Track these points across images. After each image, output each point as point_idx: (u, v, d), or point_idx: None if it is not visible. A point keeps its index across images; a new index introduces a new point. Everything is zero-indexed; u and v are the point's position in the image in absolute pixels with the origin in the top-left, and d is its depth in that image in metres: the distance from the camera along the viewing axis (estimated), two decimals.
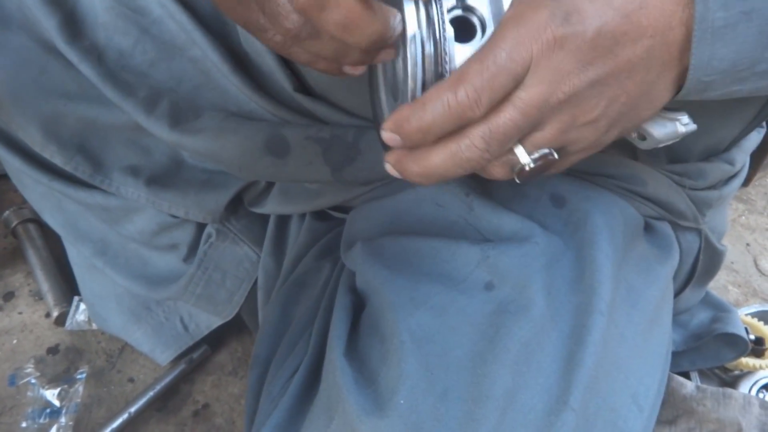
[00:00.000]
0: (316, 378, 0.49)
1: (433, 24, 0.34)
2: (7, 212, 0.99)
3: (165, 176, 0.68)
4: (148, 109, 0.59)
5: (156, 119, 0.59)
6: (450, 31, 0.35)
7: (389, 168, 0.39)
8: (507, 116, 0.34)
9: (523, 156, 0.36)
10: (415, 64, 0.35)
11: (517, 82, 0.33)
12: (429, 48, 0.34)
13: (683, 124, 0.41)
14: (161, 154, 0.68)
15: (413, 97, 0.35)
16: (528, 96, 0.33)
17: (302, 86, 0.57)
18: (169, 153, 0.68)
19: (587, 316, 0.45)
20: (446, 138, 0.35)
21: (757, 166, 1.15)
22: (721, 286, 1.02)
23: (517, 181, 0.38)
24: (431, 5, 0.34)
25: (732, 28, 0.33)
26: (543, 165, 0.37)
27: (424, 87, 0.35)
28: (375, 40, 0.33)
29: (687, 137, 0.57)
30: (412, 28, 0.34)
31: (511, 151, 0.36)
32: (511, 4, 0.35)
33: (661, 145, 0.42)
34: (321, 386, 0.47)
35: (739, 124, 0.59)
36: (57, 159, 0.65)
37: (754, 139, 0.66)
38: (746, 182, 1.17)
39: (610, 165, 0.55)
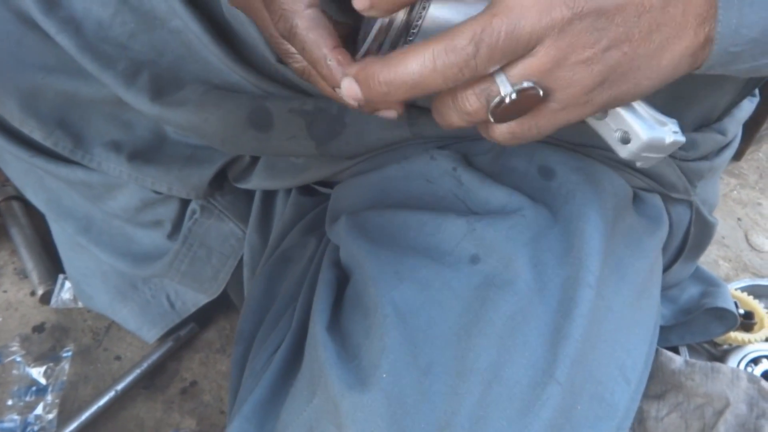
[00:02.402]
0: (299, 353, 0.48)
1: None
2: None
3: (147, 151, 0.67)
4: (128, 82, 0.58)
5: (136, 92, 0.58)
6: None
7: (346, 87, 0.34)
8: (503, 21, 0.30)
9: (504, 85, 0.32)
10: None
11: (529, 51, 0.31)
12: None
13: (673, 132, 0.37)
14: (143, 129, 0.67)
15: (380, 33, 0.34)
16: (529, 1, 0.30)
17: None
18: (152, 128, 0.67)
19: (575, 289, 0.44)
20: (430, 39, 0.31)
21: (750, 139, 1.14)
22: (711, 260, 1.02)
23: (492, 120, 0.34)
24: None
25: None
26: (523, 102, 0.32)
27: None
28: None
29: (678, 104, 0.56)
30: None
31: (491, 79, 0.32)
32: None
33: (641, 159, 0.38)
34: (304, 361, 0.46)
35: (730, 90, 0.57)
36: (36, 134, 0.64)
37: (747, 108, 0.65)
38: (738, 156, 1.17)
39: (599, 135, 0.54)
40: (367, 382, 0.40)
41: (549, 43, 0.31)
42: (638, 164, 0.39)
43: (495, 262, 0.46)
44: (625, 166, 0.55)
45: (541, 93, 0.32)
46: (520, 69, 0.32)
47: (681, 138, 0.38)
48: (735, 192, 1.13)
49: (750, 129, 1.13)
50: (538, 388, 0.41)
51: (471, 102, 0.33)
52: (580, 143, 0.54)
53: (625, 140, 0.37)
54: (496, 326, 0.42)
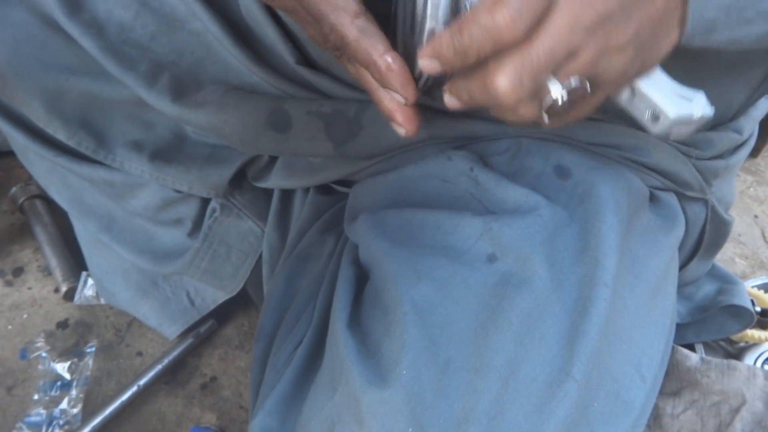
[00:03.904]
0: (319, 350, 0.49)
1: None
2: (14, 189, 1.00)
3: (168, 151, 0.68)
4: (150, 83, 0.59)
5: (157, 93, 0.59)
6: None
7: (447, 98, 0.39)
8: (542, 44, 0.32)
9: (555, 88, 0.34)
10: None
11: (552, 2, 0.32)
12: None
13: (701, 107, 0.39)
14: (164, 129, 0.68)
15: (431, 30, 0.35)
16: (562, 17, 0.32)
17: (304, 59, 0.56)
18: (172, 128, 0.68)
19: (591, 287, 0.45)
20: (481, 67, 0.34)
21: (766, 137, 1.14)
22: (728, 258, 1.02)
23: (546, 121, 0.36)
24: None
25: None
26: (574, 99, 0.35)
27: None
28: None
29: None
30: None
31: (542, 84, 0.35)
32: None
33: (673, 134, 0.40)
34: (325, 358, 0.47)
35: (745, 88, 0.58)
36: (60, 134, 0.65)
37: (763, 107, 0.65)
38: (755, 153, 1.16)
39: (615, 135, 0.54)
40: (387, 379, 0.41)
41: (588, 44, 0.33)
42: (671, 138, 0.40)
43: (512, 260, 0.46)
44: (640, 165, 0.55)
45: (588, 87, 0.35)
46: (566, 71, 0.34)
47: (709, 112, 0.39)
48: (752, 189, 1.12)
49: (766, 127, 1.12)
50: (554, 385, 0.42)
51: (526, 110, 0.36)
52: (596, 143, 0.54)
53: (656, 118, 0.39)
54: (513, 324, 0.43)
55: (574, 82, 0.34)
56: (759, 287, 0.87)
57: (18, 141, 0.70)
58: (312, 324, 0.52)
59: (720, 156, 0.61)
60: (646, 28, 0.34)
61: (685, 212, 0.62)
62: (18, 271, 0.94)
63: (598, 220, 0.48)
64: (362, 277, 0.52)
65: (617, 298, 0.47)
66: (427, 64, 0.35)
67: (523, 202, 0.50)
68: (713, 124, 0.60)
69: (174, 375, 0.85)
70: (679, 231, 0.57)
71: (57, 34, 0.60)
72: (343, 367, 0.43)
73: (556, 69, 0.34)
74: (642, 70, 0.37)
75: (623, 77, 0.36)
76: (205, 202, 0.74)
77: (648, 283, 0.50)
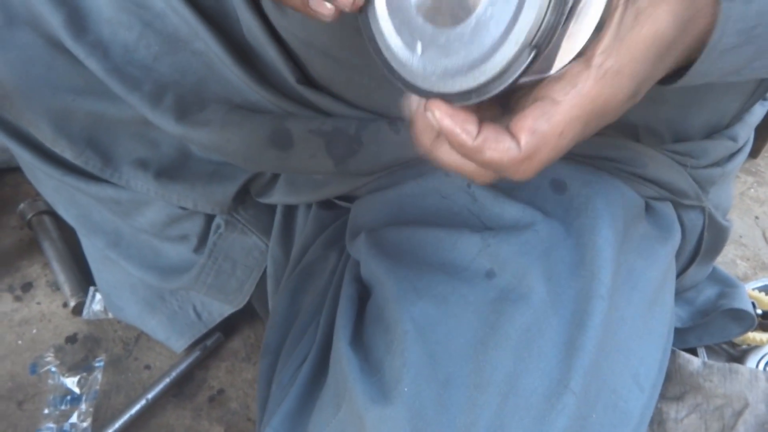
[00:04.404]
0: (324, 367, 0.50)
1: None
2: (22, 204, 1.01)
3: (173, 169, 0.69)
4: (154, 103, 0.60)
5: (162, 113, 0.60)
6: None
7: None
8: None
9: None
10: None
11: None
12: None
13: None
14: (169, 147, 0.69)
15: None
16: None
17: (305, 78, 0.58)
18: (177, 145, 0.69)
19: (587, 301, 0.46)
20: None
21: (766, 137, 1.14)
22: (729, 260, 1.02)
23: None
24: None
25: (738, 49, 0.32)
26: None
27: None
28: None
29: (688, 114, 0.57)
30: None
31: None
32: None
33: None
34: (329, 375, 0.48)
35: (739, 97, 0.58)
36: (68, 153, 0.66)
37: (758, 113, 0.66)
38: (755, 154, 1.16)
39: (611, 148, 0.55)
40: (389, 396, 0.42)
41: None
42: None
43: (509, 276, 0.47)
44: (636, 176, 0.56)
45: None
46: None
47: None
48: (752, 190, 1.12)
49: (766, 127, 1.12)
50: (553, 398, 0.42)
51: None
52: (592, 155, 0.55)
53: None
54: (511, 339, 0.44)
55: None
56: (760, 289, 0.88)
57: (26, 160, 0.71)
58: (316, 341, 0.53)
59: (716, 164, 0.62)
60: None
61: (682, 220, 0.62)
62: (27, 287, 0.96)
63: (594, 233, 0.49)
64: (364, 294, 0.53)
65: (614, 309, 0.47)
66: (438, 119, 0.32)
67: (519, 217, 0.51)
68: (708, 132, 0.61)
69: (182, 388, 0.86)
70: (675, 240, 0.58)
71: (63, 56, 0.61)
72: (346, 384, 0.44)
73: None
74: None
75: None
76: (210, 218, 0.75)
77: (645, 294, 0.51)
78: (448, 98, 0.31)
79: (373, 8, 0.34)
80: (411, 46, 0.32)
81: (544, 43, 0.28)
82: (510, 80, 0.29)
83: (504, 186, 0.54)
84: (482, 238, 0.49)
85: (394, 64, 0.33)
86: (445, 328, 0.45)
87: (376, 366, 0.45)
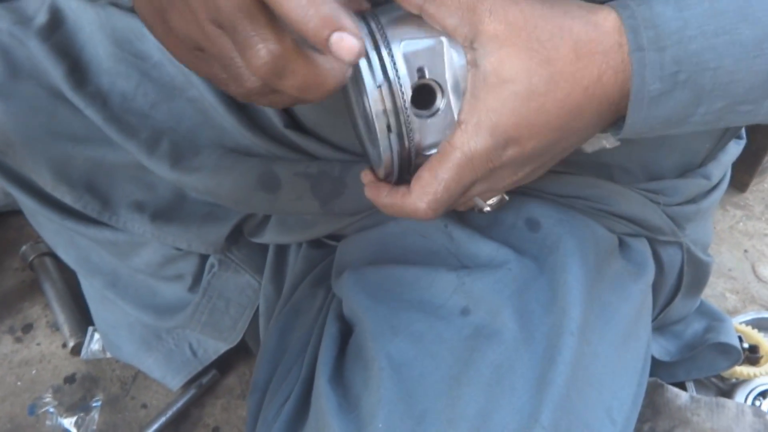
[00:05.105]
0: (307, 403, 0.52)
1: (395, 99, 0.39)
2: (24, 247, 1.04)
3: (169, 211, 0.71)
4: (150, 150, 0.62)
5: (157, 159, 0.62)
6: (410, 110, 0.40)
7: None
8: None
9: (482, 204, 0.45)
10: (385, 140, 0.41)
11: (468, 189, 0.42)
12: (393, 123, 0.40)
13: (609, 143, 0.44)
14: (165, 189, 0.71)
15: (387, 166, 0.43)
16: (471, 195, 0.43)
17: (292, 122, 0.60)
18: (173, 188, 0.71)
19: (558, 337, 0.47)
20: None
21: (754, 171, 1.16)
22: (718, 293, 1.03)
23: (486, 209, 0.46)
24: (392, 84, 0.38)
25: (667, 95, 0.36)
26: (499, 204, 0.44)
27: (395, 155, 0.42)
28: (332, 91, 0.35)
29: (660, 154, 0.59)
30: (375, 106, 0.39)
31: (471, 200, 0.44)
32: (458, 124, 0.40)
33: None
34: (310, 412, 0.50)
35: (709, 138, 0.60)
36: (67, 198, 0.68)
37: (733, 151, 0.68)
38: (743, 188, 1.18)
39: (583, 187, 0.57)
40: None
41: (502, 186, 0.43)
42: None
43: (483, 313, 0.49)
44: (608, 214, 0.58)
45: (507, 198, 0.47)
46: (486, 196, 0.45)
47: (617, 143, 0.45)
48: (741, 224, 1.14)
49: (753, 161, 1.14)
50: None
51: (462, 209, 0.48)
52: (565, 194, 0.57)
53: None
54: (484, 375, 0.45)
55: (495, 198, 0.45)
56: (747, 323, 0.88)
57: (27, 205, 0.74)
58: (300, 378, 0.55)
59: (691, 201, 0.64)
60: (557, 158, 0.42)
61: (659, 256, 0.64)
62: (27, 328, 0.98)
63: (565, 271, 0.50)
64: (347, 332, 0.55)
65: (586, 344, 0.49)
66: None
67: (494, 255, 0.52)
68: (681, 171, 0.63)
69: (177, 426, 0.87)
70: (648, 276, 0.60)
71: (64, 105, 0.64)
72: (325, 421, 0.45)
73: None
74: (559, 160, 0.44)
75: (539, 173, 0.44)
76: (204, 257, 0.77)
77: (618, 329, 0.53)
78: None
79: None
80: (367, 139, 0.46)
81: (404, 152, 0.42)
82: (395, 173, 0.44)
83: (480, 224, 0.56)
84: (458, 276, 0.51)
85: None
86: (420, 365, 0.47)
87: (354, 402, 0.46)
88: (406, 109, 0.39)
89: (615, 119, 0.40)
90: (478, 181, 0.41)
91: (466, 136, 0.39)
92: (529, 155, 0.39)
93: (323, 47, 0.30)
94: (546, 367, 0.46)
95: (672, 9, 0.36)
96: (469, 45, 0.38)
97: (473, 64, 0.38)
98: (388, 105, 0.39)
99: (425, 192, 0.41)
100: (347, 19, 0.30)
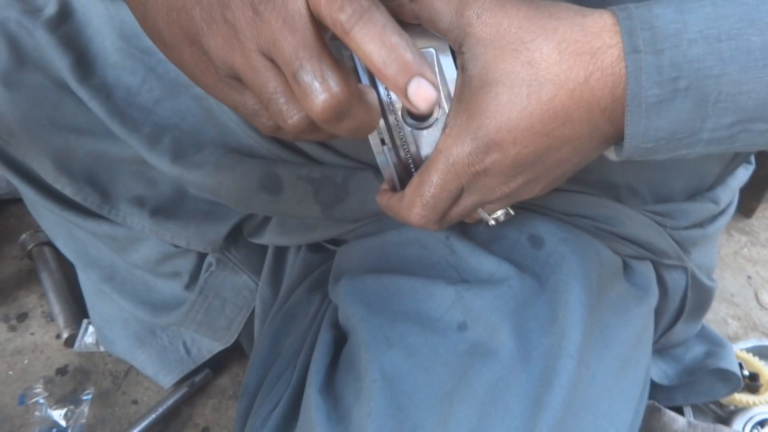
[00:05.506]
0: (295, 412, 0.51)
1: (386, 115, 0.40)
2: (24, 235, 1.03)
3: (169, 207, 0.71)
4: (152, 144, 0.62)
5: (159, 154, 0.62)
6: (403, 124, 0.41)
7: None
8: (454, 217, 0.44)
9: (486, 217, 0.45)
10: (380, 154, 0.43)
11: (456, 198, 0.42)
12: (387, 138, 0.42)
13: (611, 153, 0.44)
14: (166, 186, 0.71)
15: (387, 177, 0.45)
16: (465, 205, 0.42)
17: None
18: (174, 185, 0.71)
19: (557, 359, 0.46)
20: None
21: (760, 197, 1.15)
22: (720, 318, 1.02)
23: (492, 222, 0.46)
24: (382, 100, 0.40)
25: (668, 103, 0.34)
26: (504, 218, 0.44)
27: (392, 167, 0.44)
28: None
29: (669, 175, 0.59)
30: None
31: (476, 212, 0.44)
32: (446, 122, 0.39)
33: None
34: (299, 421, 0.49)
35: (718, 162, 0.60)
36: (68, 190, 0.68)
37: (741, 176, 0.67)
38: (749, 214, 1.17)
39: (589, 206, 0.56)
40: None
41: (498, 203, 0.43)
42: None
43: (481, 330, 0.48)
44: (613, 235, 0.57)
45: (512, 212, 0.46)
46: (489, 209, 0.45)
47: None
48: (745, 249, 1.13)
49: (761, 186, 1.13)
50: None
51: (468, 221, 0.49)
52: (571, 213, 0.56)
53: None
54: (477, 393, 0.44)
55: (499, 212, 0.45)
56: (749, 350, 0.87)
57: (28, 195, 0.73)
58: (290, 385, 0.54)
59: (698, 225, 0.63)
60: (555, 176, 0.41)
61: (664, 279, 0.63)
62: (22, 317, 0.97)
63: (567, 291, 0.49)
64: (341, 340, 0.54)
65: (585, 368, 0.48)
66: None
67: (495, 271, 0.51)
68: (689, 194, 0.62)
69: (167, 424, 0.86)
70: (652, 300, 0.59)
71: (68, 97, 0.64)
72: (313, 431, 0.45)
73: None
74: (562, 178, 0.43)
75: (542, 191, 0.43)
76: (202, 256, 0.76)
77: (618, 353, 0.52)
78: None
79: None
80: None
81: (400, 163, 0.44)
82: (396, 183, 0.46)
83: (482, 238, 0.55)
84: (456, 291, 0.50)
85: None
86: (413, 379, 0.46)
87: (344, 414, 0.46)
88: (398, 122, 0.40)
89: (614, 132, 0.38)
90: (466, 189, 0.41)
91: (450, 141, 0.39)
92: (513, 162, 0.38)
93: (399, 93, 0.30)
94: (542, 389, 0.45)
95: (672, 11, 0.34)
96: (458, 49, 0.37)
97: (462, 68, 0.38)
98: (381, 121, 0.40)
99: (414, 197, 0.42)
100: (426, 66, 0.30)
